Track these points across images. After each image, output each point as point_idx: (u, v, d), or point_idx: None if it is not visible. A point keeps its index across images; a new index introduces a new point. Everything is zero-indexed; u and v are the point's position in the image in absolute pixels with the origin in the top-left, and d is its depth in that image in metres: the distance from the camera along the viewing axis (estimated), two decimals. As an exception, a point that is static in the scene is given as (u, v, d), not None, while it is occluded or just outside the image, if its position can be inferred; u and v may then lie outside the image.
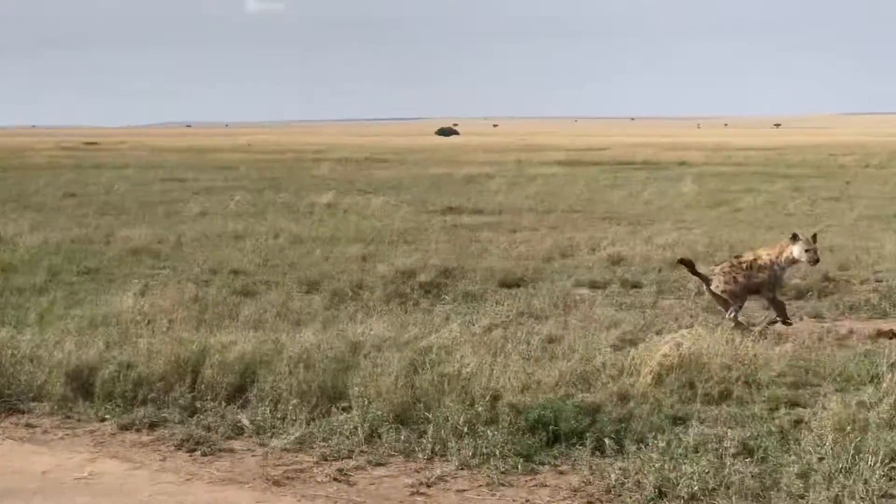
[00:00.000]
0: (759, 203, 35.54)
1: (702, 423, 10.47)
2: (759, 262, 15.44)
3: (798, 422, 10.51)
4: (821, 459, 9.23)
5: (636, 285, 18.75)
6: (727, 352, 12.58)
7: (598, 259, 21.53)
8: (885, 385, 11.55)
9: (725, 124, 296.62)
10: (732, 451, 9.46)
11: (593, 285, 18.74)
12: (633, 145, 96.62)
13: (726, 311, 15.36)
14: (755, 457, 9.45)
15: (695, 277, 16.18)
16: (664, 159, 66.98)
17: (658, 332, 13.82)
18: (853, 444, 9.46)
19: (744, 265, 15.44)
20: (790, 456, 9.39)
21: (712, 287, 15.45)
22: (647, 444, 9.66)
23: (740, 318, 15.22)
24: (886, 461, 9.10)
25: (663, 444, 9.58)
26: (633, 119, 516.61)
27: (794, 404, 11.17)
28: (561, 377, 11.70)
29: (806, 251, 15.32)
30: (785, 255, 15.41)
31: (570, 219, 30.69)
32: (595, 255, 22.11)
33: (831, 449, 9.40)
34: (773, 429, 10.27)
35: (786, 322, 15.32)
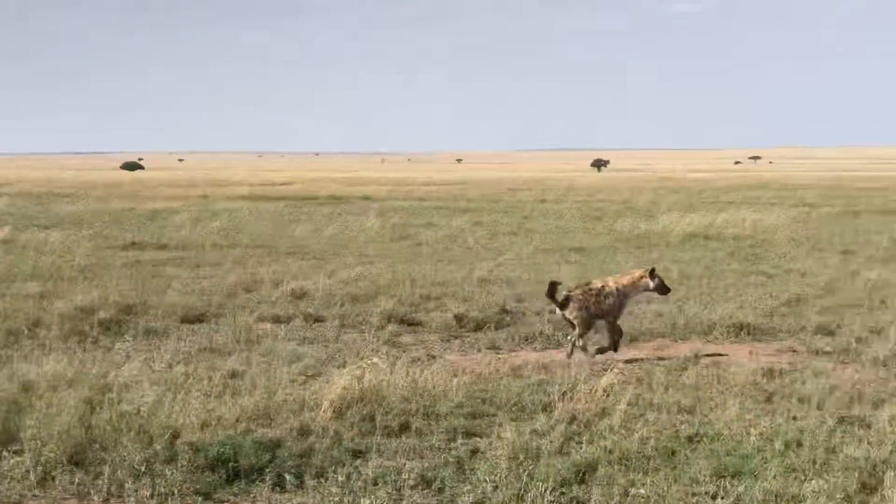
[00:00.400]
0: (440, 237, 36.21)
1: (381, 455, 10.62)
2: (607, 289, 16.22)
3: (475, 451, 10.78)
4: (495, 488, 9.50)
5: (319, 319, 18.82)
6: (407, 384, 12.82)
7: (282, 294, 21.51)
8: (556, 413, 12.01)
9: (409, 159, 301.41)
10: (411, 482, 9.64)
11: (276, 320, 18.71)
12: (317, 180, 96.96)
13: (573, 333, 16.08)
14: (433, 487, 9.65)
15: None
16: (348, 194, 67.50)
17: (340, 366, 13.94)
18: (526, 472, 9.77)
19: (593, 292, 16.13)
20: (466, 485, 9.62)
21: (566, 312, 16.02)
22: (327, 478, 9.73)
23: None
24: (556, 488, 9.45)
25: (343, 478, 9.69)
26: (317, 154, 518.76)
27: (470, 434, 11.45)
28: (242, 413, 11.67)
29: (661, 283, 16.59)
30: (640, 284, 16.41)
31: (254, 254, 30.54)
32: (279, 289, 22.07)
33: (505, 477, 9.70)
34: (451, 459, 10.51)
35: (615, 348, 16.06)
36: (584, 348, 15.91)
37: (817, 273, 25.17)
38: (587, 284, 16.50)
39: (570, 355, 15.80)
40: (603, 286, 16.29)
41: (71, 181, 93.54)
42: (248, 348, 16.14)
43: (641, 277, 16.51)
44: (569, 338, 16.15)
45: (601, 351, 16.00)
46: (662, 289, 16.68)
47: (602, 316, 16.17)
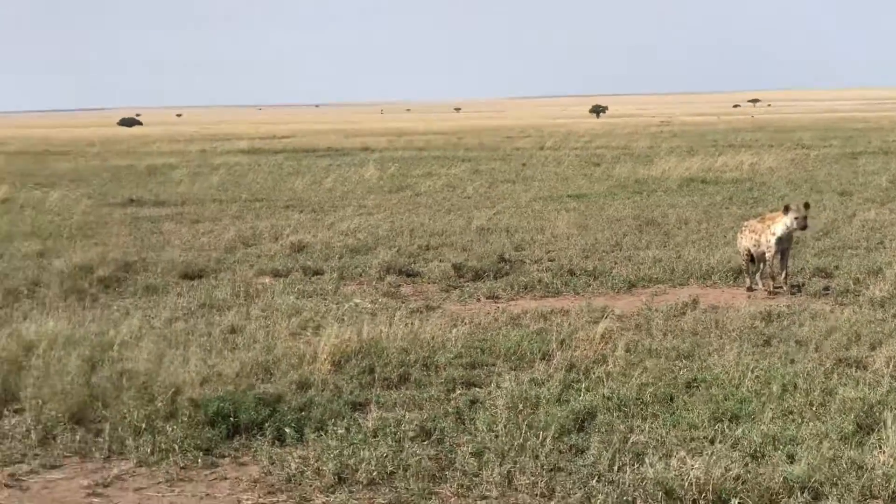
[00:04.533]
0: (439, 186, 36.20)
1: (381, 407, 10.66)
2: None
3: (474, 402, 10.80)
4: (495, 437, 9.53)
5: (318, 272, 18.82)
6: (406, 335, 12.85)
7: (281, 247, 21.53)
8: (555, 361, 12.06)
9: (408, 109, 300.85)
10: (410, 433, 9.67)
11: (276, 274, 18.72)
12: (316, 132, 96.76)
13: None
14: (432, 438, 9.67)
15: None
16: (347, 146, 67.41)
17: (339, 319, 13.99)
18: (525, 421, 9.81)
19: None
20: (465, 435, 9.67)
21: None
22: (327, 432, 9.76)
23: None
24: (556, 436, 9.48)
25: (342, 431, 9.72)
26: (317, 106, 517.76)
27: (470, 384, 11.48)
28: (242, 368, 11.70)
29: (795, 219, 16.63)
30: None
31: (253, 208, 30.58)
32: (278, 243, 22.12)
33: (504, 427, 9.73)
34: (450, 410, 10.54)
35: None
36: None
37: (815, 215, 25.10)
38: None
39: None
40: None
41: (68, 138, 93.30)
42: (248, 303, 16.15)
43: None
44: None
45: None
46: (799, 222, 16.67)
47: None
